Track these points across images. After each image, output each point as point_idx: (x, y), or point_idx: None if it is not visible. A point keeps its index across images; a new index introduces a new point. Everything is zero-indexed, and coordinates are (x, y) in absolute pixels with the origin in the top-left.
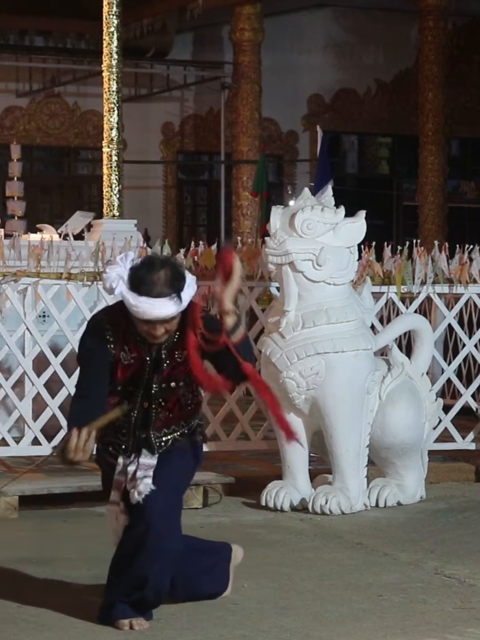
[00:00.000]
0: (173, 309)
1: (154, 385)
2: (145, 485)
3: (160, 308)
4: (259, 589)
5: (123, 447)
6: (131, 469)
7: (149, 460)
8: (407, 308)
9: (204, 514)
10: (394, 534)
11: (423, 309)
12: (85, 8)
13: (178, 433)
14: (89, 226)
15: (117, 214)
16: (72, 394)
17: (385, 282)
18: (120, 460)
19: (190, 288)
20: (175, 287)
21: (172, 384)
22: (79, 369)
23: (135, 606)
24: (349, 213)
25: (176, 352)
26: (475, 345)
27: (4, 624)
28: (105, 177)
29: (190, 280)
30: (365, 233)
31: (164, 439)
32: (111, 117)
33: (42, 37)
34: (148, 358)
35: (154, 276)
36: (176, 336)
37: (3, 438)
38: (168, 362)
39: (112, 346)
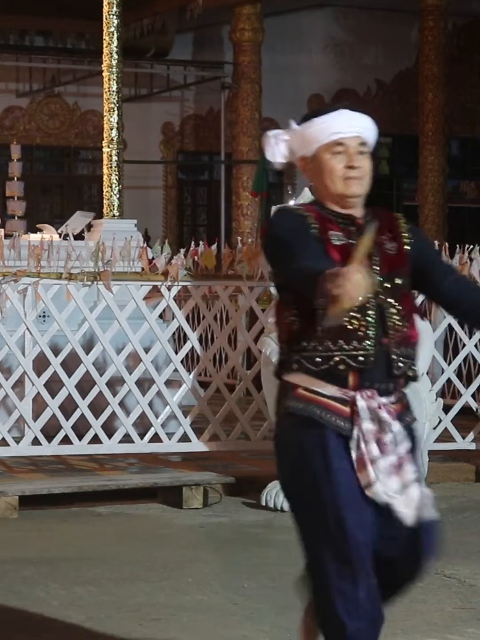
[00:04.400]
0: (361, 121)
1: (379, 278)
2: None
3: (345, 117)
4: (259, 589)
5: (361, 358)
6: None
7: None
8: None
9: (204, 514)
10: None
11: (423, 309)
12: (85, 8)
13: (412, 362)
14: (89, 226)
15: (117, 214)
16: (72, 393)
17: None
18: (362, 403)
19: (373, 122)
20: (355, 108)
21: (397, 280)
22: (282, 256)
23: None
24: None
25: (383, 239)
26: (475, 345)
27: (3, 624)
28: (105, 177)
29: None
30: None
31: (402, 360)
32: (111, 117)
33: (42, 37)
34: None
35: (325, 106)
36: (378, 217)
37: (3, 438)
38: (378, 254)
39: (314, 225)
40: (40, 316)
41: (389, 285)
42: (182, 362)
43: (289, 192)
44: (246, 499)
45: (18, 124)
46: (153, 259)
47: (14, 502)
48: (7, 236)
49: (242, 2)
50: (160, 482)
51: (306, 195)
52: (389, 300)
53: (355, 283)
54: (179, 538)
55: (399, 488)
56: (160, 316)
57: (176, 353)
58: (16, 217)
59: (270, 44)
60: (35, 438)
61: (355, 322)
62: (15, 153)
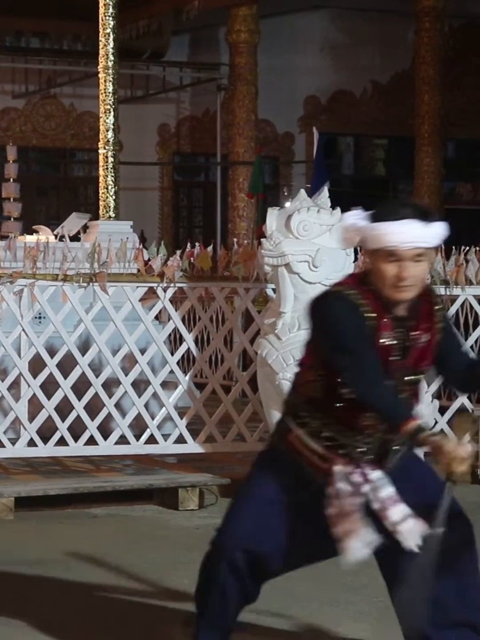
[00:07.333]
0: (421, 233)
1: (406, 376)
2: (415, 529)
3: (406, 230)
4: None
5: (361, 450)
6: (376, 493)
7: (388, 490)
8: None
9: (199, 515)
10: None
11: None
12: (81, 9)
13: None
14: (85, 227)
15: (113, 215)
16: (67, 395)
17: None
18: (339, 469)
19: (443, 226)
20: (424, 214)
21: (419, 376)
22: (342, 350)
23: None
24: None
25: (418, 335)
26: (471, 347)
27: (0, 626)
28: (101, 179)
29: (445, 224)
30: None
31: (400, 447)
32: (107, 118)
33: (39, 39)
34: (397, 338)
35: (397, 206)
36: (417, 309)
37: None
38: (412, 344)
39: (370, 318)
40: (36, 317)
41: (412, 379)
42: (178, 363)
43: (285, 194)
44: None
45: (14, 126)
46: (149, 260)
47: (10, 503)
48: (2, 237)
49: (238, 4)
50: (156, 483)
51: (302, 197)
52: (406, 397)
53: (456, 459)
54: (174, 539)
55: (396, 522)
56: (156, 317)
57: (172, 354)
58: (12, 219)
59: (267, 46)
60: (31, 439)
61: (366, 421)
62: (11, 154)
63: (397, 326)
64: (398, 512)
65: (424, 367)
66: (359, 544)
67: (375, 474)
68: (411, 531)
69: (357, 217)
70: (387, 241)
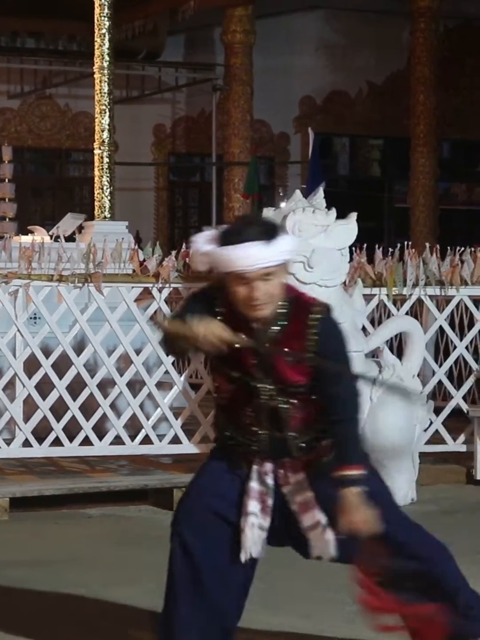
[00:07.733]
0: (264, 254)
1: (270, 387)
2: (322, 539)
3: (247, 254)
4: (250, 589)
5: (254, 448)
6: (293, 496)
7: (304, 495)
8: (398, 310)
9: None
10: None
11: (414, 311)
12: (77, 10)
13: (321, 431)
14: (80, 228)
15: (109, 215)
16: (63, 395)
17: (377, 284)
18: (256, 468)
19: (288, 241)
20: (266, 233)
21: (291, 388)
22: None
23: None
24: (341, 215)
25: (286, 350)
26: (466, 347)
27: None
28: (96, 179)
29: (290, 237)
30: (357, 235)
31: (304, 440)
32: (103, 118)
33: (34, 39)
34: (253, 343)
35: (239, 227)
36: (282, 326)
37: None
38: (274, 357)
39: (217, 314)
40: (31, 318)
41: (282, 389)
42: (173, 364)
43: (281, 194)
44: None
45: (9, 126)
46: (144, 260)
47: (5, 503)
48: None
49: (233, 4)
50: (151, 483)
51: (297, 197)
52: (282, 400)
53: (207, 331)
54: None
55: (306, 528)
56: (152, 318)
57: (167, 355)
58: (7, 219)
59: (262, 46)
60: (26, 440)
61: (248, 419)
62: (7, 155)
63: (253, 334)
64: (309, 519)
65: (295, 382)
66: (252, 543)
67: (296, 478)
68: (316, 539)
69: (204, 240)
70: (233, 266)
